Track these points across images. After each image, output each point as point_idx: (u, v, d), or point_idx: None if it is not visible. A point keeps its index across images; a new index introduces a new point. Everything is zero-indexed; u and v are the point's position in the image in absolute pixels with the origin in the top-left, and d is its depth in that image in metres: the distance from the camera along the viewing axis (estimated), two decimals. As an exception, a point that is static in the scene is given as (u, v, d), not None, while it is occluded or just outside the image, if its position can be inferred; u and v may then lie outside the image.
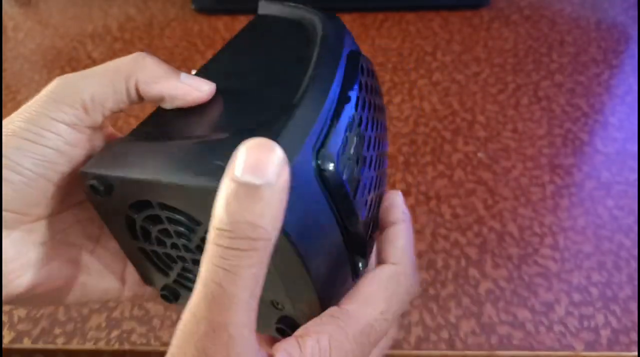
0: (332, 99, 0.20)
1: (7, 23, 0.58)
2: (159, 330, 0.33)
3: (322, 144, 0.19)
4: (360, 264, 0.22)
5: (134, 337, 0.32)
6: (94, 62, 0.52)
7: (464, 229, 0.38)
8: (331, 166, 0.19)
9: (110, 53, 0.53)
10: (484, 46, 0.52)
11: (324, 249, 0.19)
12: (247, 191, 0.14)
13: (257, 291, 0.16)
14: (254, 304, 0.16)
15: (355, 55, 0.23)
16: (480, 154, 0.43)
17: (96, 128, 0.22)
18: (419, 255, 0.36)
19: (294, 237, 0.17)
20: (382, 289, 0.20)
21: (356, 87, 0.21)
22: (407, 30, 0.54)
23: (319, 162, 0.18)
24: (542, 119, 0.45)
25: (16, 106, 0.48)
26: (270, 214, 0.15)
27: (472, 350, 0.32)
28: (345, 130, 0.20)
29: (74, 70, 0.51)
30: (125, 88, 0.22)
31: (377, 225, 0.24)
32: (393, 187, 0.40)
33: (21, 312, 0.33)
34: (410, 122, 0.45)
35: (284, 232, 0.17)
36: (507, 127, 0.45)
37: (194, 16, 0.57)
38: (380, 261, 0.22)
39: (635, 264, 0.35)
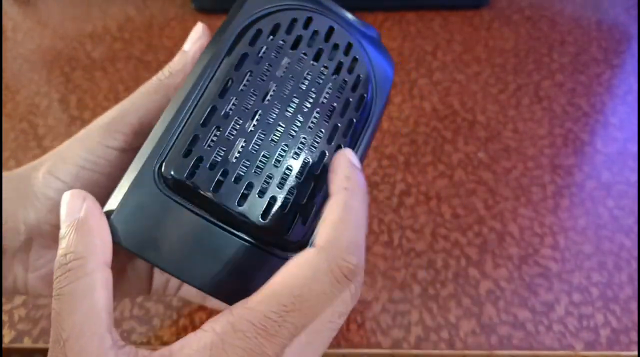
0: (189, 100, 0.22)
1: (7, 23, 0.58)
2: (159, 329, 0.33)
3: (166, 157, 0.21)
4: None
5: (134, 337, 0.32)
6: (94, 62, 0.52)
7: (464, 229, 0.38)
8: (169, 175, 0.21)
9: (110, 53, 0.53)
10: (484, 46, 0.52)
11: (197, 251, 0.21)
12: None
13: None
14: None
15: (251, 25, 0.23)
16: (480, 154, 0.43)
17: None
18: (418, 254, 0.36)
19: (129, 245, 0.20)
20: (288, 280, 0.18)
21: (222, 69, 0.22)
22: (407, 30, 0.54)
23: (155, 178, 0.21)
24: (542, 119, 0.45)
25: (16, 106, 0.48)
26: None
27: (472, 350, 0.32)
28: (199, 127, 0.21)
29: (73, 70, 0.51)
30: (166, 96, 0.24)
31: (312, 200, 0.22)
32: (393, 187, 0.40)
33: (21, 311, 0.33)
34: (411, 122, 0.45)
35: (116, 243, 0.20)
36: (507, 127, 0.45)
37: (193, 16, 0.57)
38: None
39: (635, 265, 0.35)
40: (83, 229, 0.19)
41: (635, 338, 0.32)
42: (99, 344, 0.17)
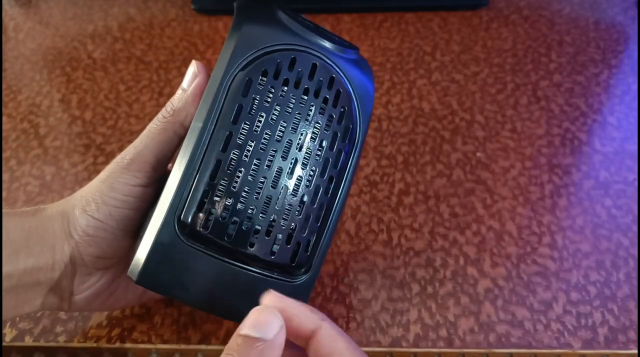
0: (195, 154, 0.24)
1: (8, 23, 0.58)
2: (160, 328, 0.33)
3: (183, 208, 0.24)
4: (303, 277, 0.27)
5: (135, 335, 0.33)
6: (95, 62, 0.52)
7: (462, 228, 0.38)
8: (188, 227, 0.24)
9: (111, 53, 0.53)
10: (482, 46, 0.53)
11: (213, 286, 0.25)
12: (247, 341, 0.19)
13: None
14: None
15: (247, 66, 0.25)
16: (479, 154, 0.43)
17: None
18: (417, 253, 0.36)
19: (160, 290, 0.25)
20: None
21: (221, 123, 0.25)
22: (406, 30, 0.55)
23: (176, 229, 0.24)
24: (540, 119, 0.45)
25: (17, 106, 0.48)
26: None
27: (470, 348, 0.32)
28: (208, 182, 0.24)
29: (74, 70, 0.52)
30: (179, 136, 0.27)
31: (311, 233, 0.27)
32: (392, 186, 0.41)
33: (22, 310, 0.34)
34: (410, 122, 0.46)
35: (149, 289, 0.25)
36: (505, 127, 0.45)
37: (194, 16, 0.57)
38: None
39: (633, 263, 0.36)
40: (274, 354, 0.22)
41: (633, 336, 0.32)
42: None
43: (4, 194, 0.41)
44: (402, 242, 0.37)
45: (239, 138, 0.25)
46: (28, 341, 0.32)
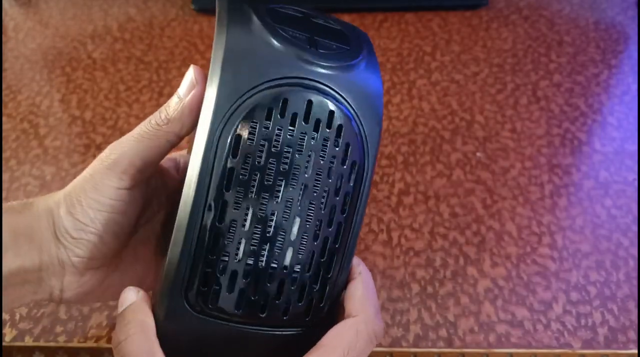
0: (192, 224, 0.22)
1: (8, 23, 0.58)
2: (160, 328, 0.33)
3: (188, 285, 0.23)
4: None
5: (134, 336, 0.32)
6: (94, 62, 0.52)
7: (462, 228, 0.38)
8: (196, 304, 0.23)
9: (111, 53, 0.53)
10: (482, 46, 0.53)
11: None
12: None
13: None
14: None
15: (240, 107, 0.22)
16: (478, 154, 0.43)
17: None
18: (417, 253, 0.36)
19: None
20: (339, 339, 0.23)
21: (212, 192, 0.22)
22: (406, 30, 0.55)
23: (185, 302, 0.23)
24: (540, 119, 0.45)
25: (17, 106, 0.48)
26: None
27: (470, 348, 0.32)
28: (207, 257, 0.23)
29: (74, 70, 0.52)
30: (171, 145, 0.26)
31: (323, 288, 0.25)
32: (392, 186, 0.41)
33: (23, 310, 0.34)
34: (409, 122, 0.46)
35: None
36: (505, 127, 0.45)
37: (194, 16, 0.57)
38: (345, 316, 0.24)
39: (633, 263, 0.36)
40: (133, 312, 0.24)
41: (633, 336, 0.32)
42: None
43: (4, 194, 0.41)
44: (402, 242, 0.37)
45: (235, 207, 0.22)
46: (28, 341, 0.32)
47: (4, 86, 0.50)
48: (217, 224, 0.22)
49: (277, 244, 0.23)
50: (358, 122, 0.24)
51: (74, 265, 0.26)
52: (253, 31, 0.23)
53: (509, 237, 0.37)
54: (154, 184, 0.29)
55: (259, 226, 0.23)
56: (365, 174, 0.24)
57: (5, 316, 0.33)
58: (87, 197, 0.25)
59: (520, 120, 0.45)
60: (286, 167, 0.22)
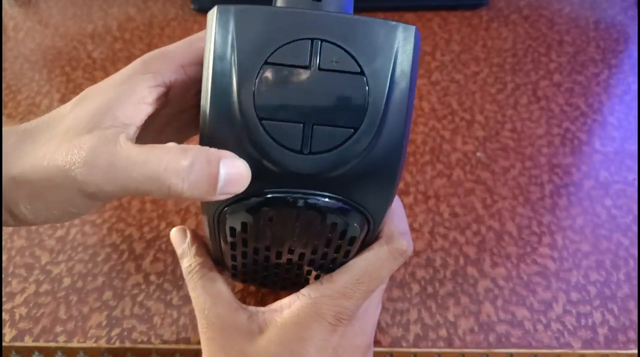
0: None
1: (7, 23, 0.58)
2: (160, 328, 0.33)
3: None
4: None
5: (134, 335, 0.32)
6: (94, 62, 0.52)
7: (462, 228, 0.38)
8: None
9: (111, 53, 0.53)
10: (482, 46, 0.53)
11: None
12: None
13: None
14: None
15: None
16: (479, 154, 0.43)
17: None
18: (417, 253, 0.36)
19: None
20: (363, 261, 0.25)
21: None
22: (406, 30, 0.54)
23: None
24: (540, 119, 0.45)
25: (17, 106, 0.48)
26: None
27: (470, 348, 0.32)
28: None
29: (74, 70, 0.51)
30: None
31: None
32: (392, 186, 0.41)
33: (22, 310, 0.34)
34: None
35: None
36: (506, 127, 0.45)
37: (193, 16, 0.57)
38: None
39: (633, 263, 0.36)
40: (193, 250, 0.28)
41: (633, 336, 0.32)
42: (228, 307, 0.26)
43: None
44: (402, 242, 0.37)
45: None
46: (27, 341, 0.32)
47: (3, 86, 0.50)
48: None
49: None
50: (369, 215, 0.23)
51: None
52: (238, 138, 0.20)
53: (509, 237, 0.37)
54: None
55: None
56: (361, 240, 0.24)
57: (5, 316, 0.33)
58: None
59: (520, 120, 0.45)
60: (280, 248, 0.24)
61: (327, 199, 0.21)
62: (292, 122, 0.19)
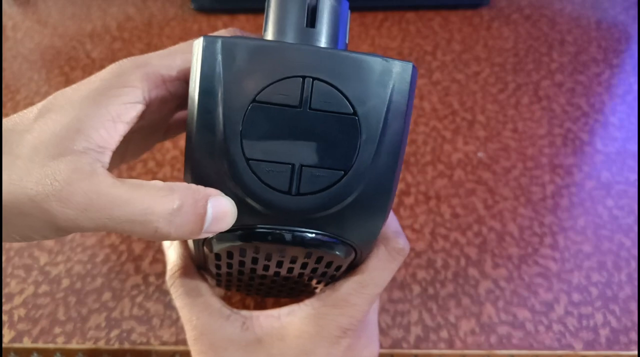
0: None
1: (6, 22, 0.58)
2: (159, 329, 0.33)
3: None
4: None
5: (133, 337, 0.32)
6: (93, 62, 0.52)
7: (463, 228, 0.38)
8: None
9: (110, 53, 0.53)
10: (484, 45, 0.52)
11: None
12: None
13: None
14: None
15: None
16: (480, 154, 0.43)
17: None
18: (418, 254, 0.36)
19: None
20: (362, 264, 0.25)
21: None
22: (407, 29, 0.54)
23: None
24: (542, 119, 0.45)
25: (15, 106, 0.48)
26: None
27: (471, 349, 0.32)
28: None
29: (73, 69, 0.51)
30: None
31: None
32: (393, 186, 0.40)
33: (21, 311, 0.33)
34: (410, 121, 0.45)
35: None
36: (507, 127, 0.45)
37: (193, 15, 0.57)
38: None
39: (635, 264, 0.35)
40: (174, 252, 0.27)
41: (635, 338, 0.32)
42: (218, 315, 0.25)
43: (2, 194, 0.41)
44: (402, 243, 0.37)
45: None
46: (26, 342, 0.32)
47: (2, 86, 0.50)
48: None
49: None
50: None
51: None
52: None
53: (511, 238, 0.37)
54: None
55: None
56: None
57: (3, 317, 0.33)
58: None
59: (521, 120, 0.45)
60: (265, 276, 0.25)
61: (313, 235, 0.20)
62: (281, 163, 0.19)
